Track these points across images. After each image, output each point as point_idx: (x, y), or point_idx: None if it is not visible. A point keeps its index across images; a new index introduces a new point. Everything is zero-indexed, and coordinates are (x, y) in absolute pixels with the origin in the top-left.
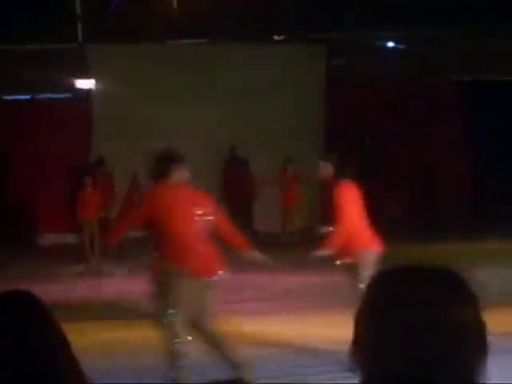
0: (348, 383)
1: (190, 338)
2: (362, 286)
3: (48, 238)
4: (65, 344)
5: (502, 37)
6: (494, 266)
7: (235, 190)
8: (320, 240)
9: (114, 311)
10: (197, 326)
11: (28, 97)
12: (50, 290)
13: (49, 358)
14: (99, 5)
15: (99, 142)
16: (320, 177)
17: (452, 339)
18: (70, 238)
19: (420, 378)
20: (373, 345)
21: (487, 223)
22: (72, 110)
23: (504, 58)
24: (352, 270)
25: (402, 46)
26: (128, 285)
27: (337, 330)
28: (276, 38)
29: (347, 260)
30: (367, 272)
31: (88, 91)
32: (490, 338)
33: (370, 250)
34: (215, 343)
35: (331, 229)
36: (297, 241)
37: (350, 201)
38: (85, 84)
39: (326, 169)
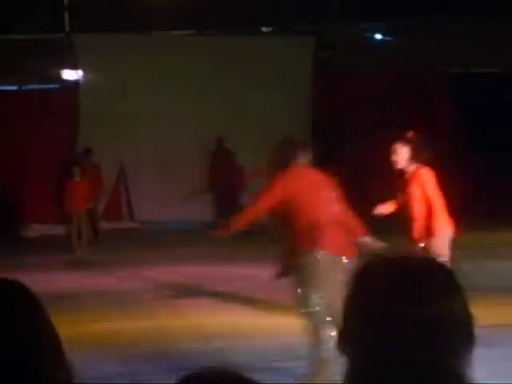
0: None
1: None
2: None
3: (35, 229)
4: (53, 334)
5: (490, 28)
6: None
7: (222, 181)
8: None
9: (101, 302)
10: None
11: (15, 87)
12: (38, 281)
13: (38, 347)
14: None
15: (86, 133)
16: (397, 163)
17: (438, 331)
18: (58, 229)
19: (402, 373)
20: (353, 339)
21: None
22: (59, 100)
23: (493, 50)
24: (429, 253)
25: (389, 38)
26: (115, 275)
27: None
28: (264, 29)
29: (426, 243)
30: (444, 255)
31: (75, 82)
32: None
33: (447, 233)
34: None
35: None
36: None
37: (435, 184)
38: (72, 74)
39: (404, 153)
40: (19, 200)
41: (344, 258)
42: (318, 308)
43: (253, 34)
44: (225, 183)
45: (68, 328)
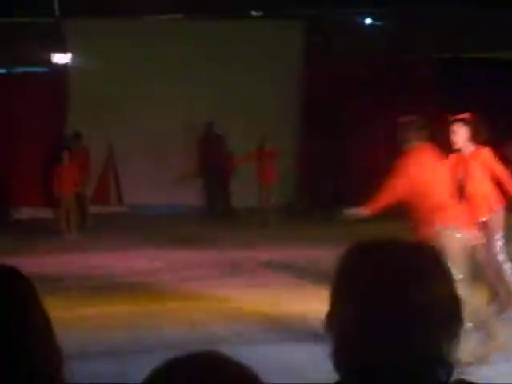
0: None
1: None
2: (499, 243)
3: (24, 212)
4: (44, 317)
5: (480, 14)
6: None
7: (212, 166)
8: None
9: (89, 286)
10: None
11: (4, 71)
12: (26, 264)
13: (29, 330)
14: None
15: (75, 117)
16: (456, 143)
17: (425, 317)
18: (47, 212)
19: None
20: (339, 323)
21: None
22: (48, 84)
23: (483, 35)
24: (487, 229)
25: (380, 23)
26: (103, 259)
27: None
28: (254, 13)
29: (486, 218)
30: (500, 231)
31: (64, 65)
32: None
33: (502, 209)
34: None
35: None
36: (274, 216)
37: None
38: (61, 58)
39: (463, 134)
40: (8, 183)
41: (469, 232)
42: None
43: (242, 18)
44: (214, 168)
45: (55, 311)
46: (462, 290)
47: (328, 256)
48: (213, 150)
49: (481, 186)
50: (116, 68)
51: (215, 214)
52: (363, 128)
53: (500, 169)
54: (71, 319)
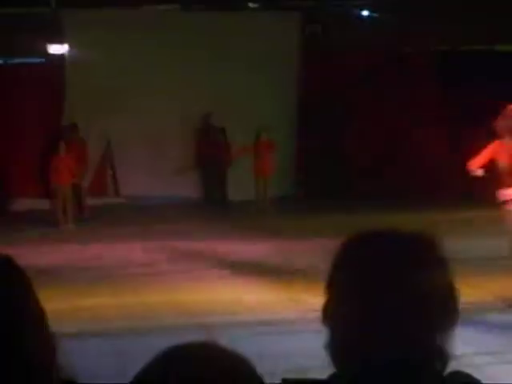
0: None
1: None
2: None
3: (20, 204)
4: (38, 308)
5: (478, 6)
6: None
7: (209, 158)
8: None
9: (86, 277)
10: None
11: (1, 61)
12: (23, 255)
13: (23, 322)
14: None
15: (72, 108)
16: (499, 131)
17: (424, 307)
18: (44, 204)
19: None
20: (338, 313)
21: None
22: (45, 75)
23: (480, 28)
24: None
25: (377, 14)
26: (100, 250)
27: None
28: (251, 5)
29: None
30: None
31: (61, 56)
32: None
33: None
34: None
35: None
36: (271, 208)
37: None
38: (58, 49)
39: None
40: (5, 174)
41: None
42: None
43: (240, 9)
44: (212, 159)
45: (52, 303)
46: None
47: (329, 246)
48: (210, 141)
49: None
50: (113, 59)
51: (212, 206)
52: (361, 119)
53: None
54: (68, 310)
